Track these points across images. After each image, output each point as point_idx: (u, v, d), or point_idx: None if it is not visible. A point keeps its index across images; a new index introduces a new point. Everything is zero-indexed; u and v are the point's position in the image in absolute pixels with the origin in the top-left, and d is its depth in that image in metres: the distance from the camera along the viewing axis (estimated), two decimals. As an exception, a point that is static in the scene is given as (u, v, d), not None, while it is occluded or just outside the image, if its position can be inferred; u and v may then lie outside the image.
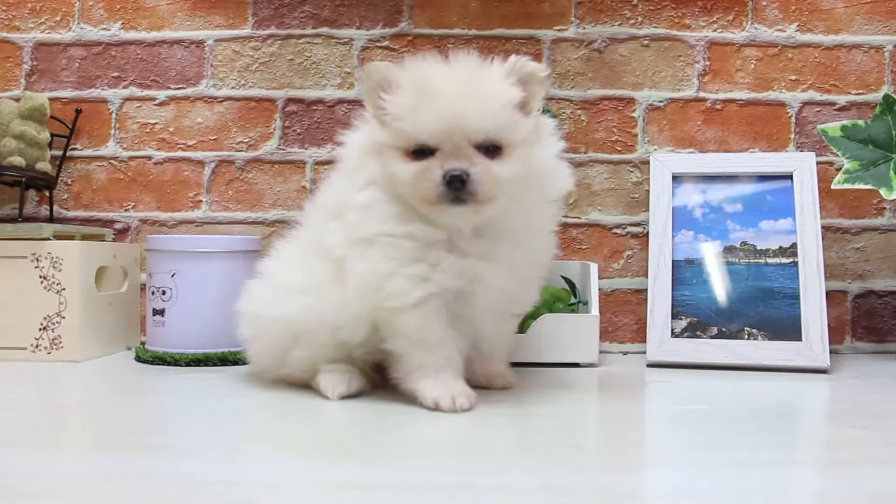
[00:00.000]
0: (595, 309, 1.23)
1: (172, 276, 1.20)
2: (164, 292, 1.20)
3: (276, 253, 1.05)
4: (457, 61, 0.91)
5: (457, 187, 0.86)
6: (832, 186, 1.25)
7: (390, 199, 0.90)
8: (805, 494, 0.64)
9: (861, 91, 1.40)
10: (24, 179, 1.32)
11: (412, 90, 0.88)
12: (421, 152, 0.87)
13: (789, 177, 1.30)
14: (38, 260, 1.20)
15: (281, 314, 0.96)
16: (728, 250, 1.29)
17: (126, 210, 1.44)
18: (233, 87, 1.44)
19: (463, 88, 0.87)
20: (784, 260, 1.27)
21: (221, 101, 1.44)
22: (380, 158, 0.90)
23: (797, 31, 1.40)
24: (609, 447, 0.79)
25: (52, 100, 1.39)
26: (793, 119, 1.40)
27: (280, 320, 0.96)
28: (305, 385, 0.98)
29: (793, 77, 1.40)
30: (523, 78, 0.91)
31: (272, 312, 0.98)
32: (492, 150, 0.88)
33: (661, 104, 1.41)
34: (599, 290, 1.32)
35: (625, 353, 1.38)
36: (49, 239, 1.20)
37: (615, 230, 1.41)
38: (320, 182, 1.06)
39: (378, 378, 0.98)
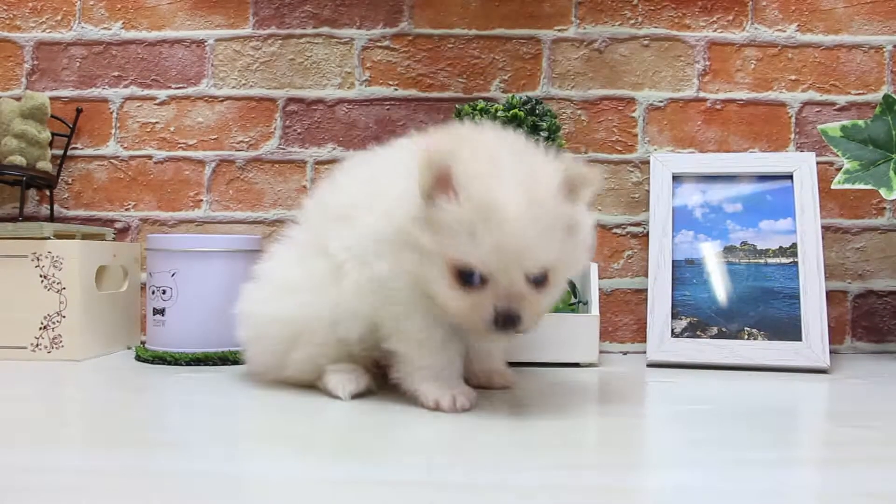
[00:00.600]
0: (595, 309, 1.23)
1: (173, 275, 1.20)
2: (164, 291, 1.20)
3: (271, 255, 1.04)
4: (514, 161, 0.83)
5: (506, 327, 0.81)
6: (832, 186, 1.25)
7: (415, 286, 0.86)
8: (804, 493, 0.64)
9: (861, 91, 1.40)
10: (24, 178, 1.32)
11: (472, 207, 0.79)
12: (470, 276, 0.81)
13: (789, 177, 1.30)
14: (38, 259, 1.20)
15: (279, 313, 0.96)
16: (728, 250, 1.30)
17: (126, 209, 1.44)
18: (233, 87, 1.44)
19: (527, 216, 0.79)
20: (784, 260, 1.27)
21: (222, 101, 1.44)
22: (419, 260, 0.83)
23: (797, 31, 1.41)
24: (609, 446, 0.79)
25: (52, 99, 1.39)
26: (793, 119, 1.40)
27: (278, 319, 0.96)
28: (308, 386, 0.98)
29: (793, 77, 1.41)
30: (575, 185, 0.84)
31: (270, 312, 0.97)
32: (541, 279, 0.83)
33: (661, 104, 1.41)
34: (599, 289, 1.32)
35: (625, 353, 1.38)
36: (49, 238, 1.21)
37: (615, 230, 1.41)
38: (319, 180, 1.05)
39: (379, 376, 0.97)
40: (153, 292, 1.22)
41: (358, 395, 0.94)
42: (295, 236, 1.03)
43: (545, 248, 0.81)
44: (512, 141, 0.90)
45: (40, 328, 1.20)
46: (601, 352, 1.29)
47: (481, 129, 0.93)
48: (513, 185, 0.80)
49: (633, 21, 1.42)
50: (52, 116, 1.38)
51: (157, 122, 1.44)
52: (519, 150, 0.87)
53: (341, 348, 0.95)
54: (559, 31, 1.42)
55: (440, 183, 0.80)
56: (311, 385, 0.98)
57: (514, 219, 0.78)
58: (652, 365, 1.23)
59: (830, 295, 1.36)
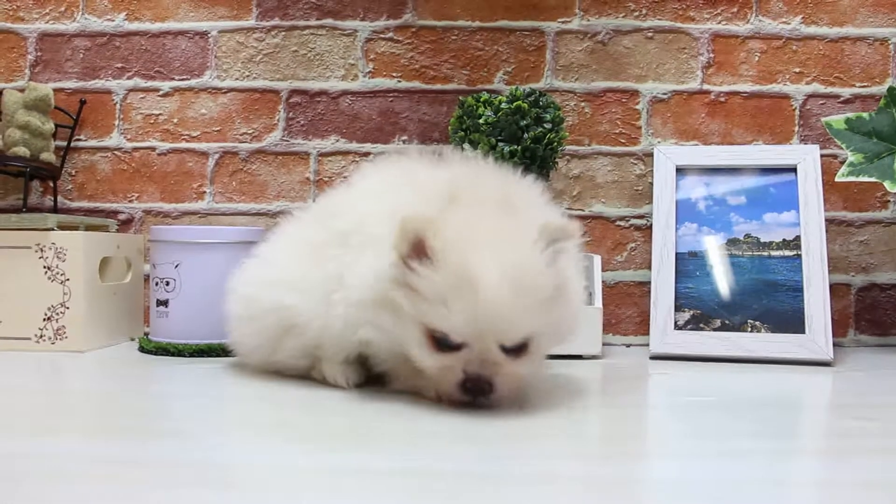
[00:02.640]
0: (598, 301, 1.23)
1: (176, 266, 1.20)
2: (167, 283, 1.21)
3: (277, 237, 1.03)
4: (493, 223, 0.81)
5: (476, 395, 0.81)
6: (836, 179, 1.25)
7: (391, 345, 0.86)
8: (806, 483, 0.64)
9: (865, 84, 1.40)
10: (28, 170, 1.32)
11: (446, 276, 0.78)
12: (445, 340, 0.80)
13: (793, 169, 1.30)
14: (42, 250, 1.20)
15: (283, 302, 0.94)
16: (731, 243, 1.29)
17: (130, 201, 1.44)
18: (237, 79, 1.44)
19: (504, 287, 0.77)
20: (788, 252, 1.27)
21: (225, 93, 1.44)
22: (396, 322, 0.82)
23: (801, 23, 1.40)
24: (612, 438, 0.79)
25: (56, 90, 1.40)
26: (797, 112, 1.40)
27: (275, 309, 0.95)
28: (299, 376, 0.98)
29: (797, 69, 1.40)
30: (556, 241, 0.82)
31: (268, 299, 0.96)
32: (520, 347, 0.81)
33: (665, 96, 1.41)
34: (602, 282, 1.32)
35: (628, 346, 1.38)
36: (53, 229, 1.21)
37: (619, 222, 1.41)
38: (351, 174, 1.01)
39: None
40: (156, 284, 1.22)
41: (357, 385, 0.94)
42: (306, 225, 1.02)
43: (523, 318, 0.79)
44: (495, 189, 0.87)
45: (44, 319, 1.20)
46: (604, 344, 1.29)
47: (469, 171, 0.92)
48: (489, 253, 0.78)
49: (636, 13, 1.41)
50: (55, 108, 1.38)
51: (160, 114, 1.44)
52: (501, 201, 0.85)
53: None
54: (563, 22, 1.42)
55: (416, 248, 0.80)
56: (302, 375, 0.98)
57: (489, 290, 0.76)
58: (655, 357, 1.23)
59: (834, 288, 1.36)
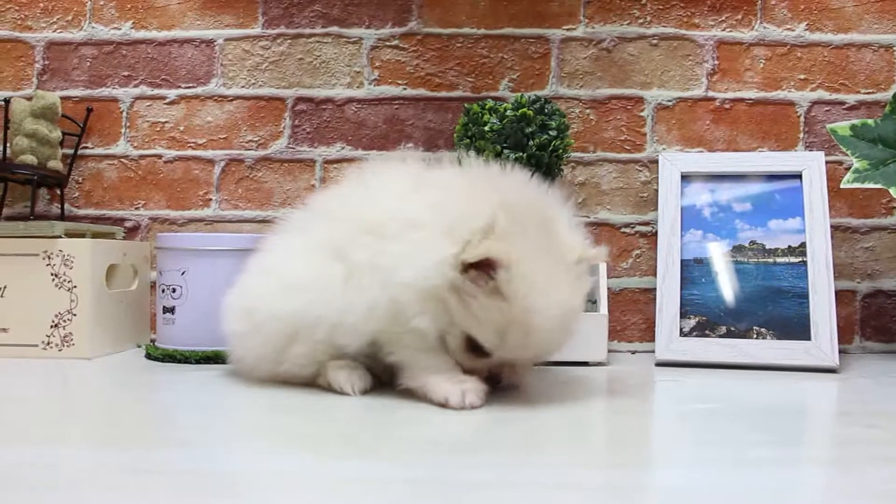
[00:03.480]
0: (604, 308, 1.23)
1: (182, 273, 1.20)
2: (174, 290, 1.21)
3: (270, 248, 1.03)
4: (552, 258, 0.86)
5: (494, 384, 0.90)
6: (841, 186, 1.24)
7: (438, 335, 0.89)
8: (812, 492, 0.64)
9: (870, 90, 1.40)
10: (35, 178, 1.32)
11: (509, 309, 0.83)
12: (482, 350, 0.87)
13: (798, 176, 1.30)
14: (49, 258, 1.21)
15: (283, 310, 0.94)
16: (737, 249, 1.29)
17: (136, 208, 1.45)
18: (242, 86, 1.44)
19: (555, 329, 0.86)
20: (793, 259, 1.27)
21: (231, 100, 1.45)
22: (446, 318, 0.86)
23: (806, 30, 1.40)
24: (617, 445, 0.79)
25: (63, 98, 1.40)
26: (802, 118, 1.40)
27: (281, 316, 0.94)
28: (305, 384, 0.98)
29: (802, 76, 1.40)
30: (588, 267, 0.91)
31: (273, 307, 0.95)
32: None
33: (669, 103, 1.41)
34: (608, 289, 1.32)
35: (633, 352, 1.38)
36: (60, 237, 1.21)
37: (623, 229, 1.41)
38: (340, 178, 1.02)
39: (380, 371, 0.97)
40: (163, 291, 1.22)
41: (364, 392, 0.94)
42: (302, 230, 1.01)
43: (559, 344, 0.89)
44: (535, 207, 0.90)
45: (51, 326, 1.20)
46: (610, 351, 1.29)
47: (516, 189, 0.93)
48: (552, 296, 0.83)
49: (641, 20, 1.41)
50: (62, 116, 1.39)
51: (166, 122, 1.45)
52: (542, 222, 0.88)
53: (339, 347, 0.95)
54: (568, 30, 1.42)
55: (482, 264, 0.83)
56: (308, 383, 0.98)
57: (543, 332, 0.84)
58: (660, 364, 1.23)
59: (839, 294, 1.36)
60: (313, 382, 0.98)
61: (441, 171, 0.96)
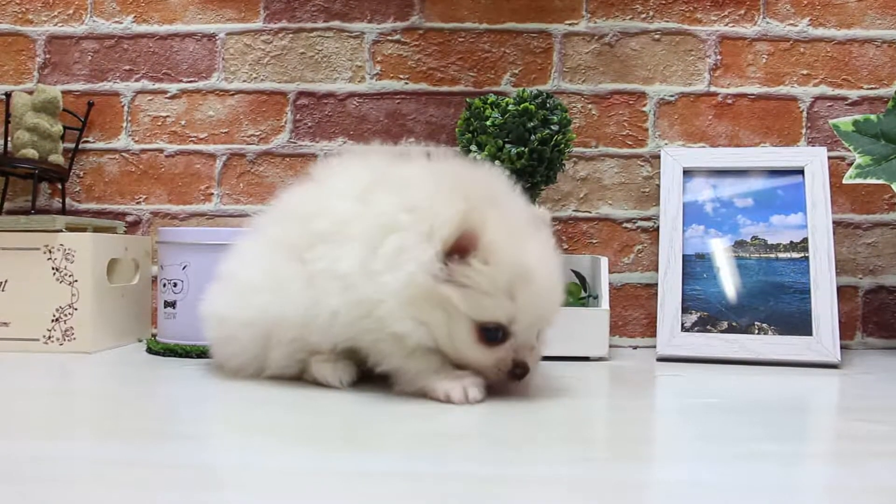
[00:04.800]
0: (605, 303, 1.23)
1: (184, 268, 1.20)
2: (175, 284, 1.21)
3: (236, 253, 1.03)
4: (527, 225, 0.88)
5: (521, 376, 0.88)
6: (844, 181, 1.24)
7: (434, 341, 0.87)
8: (815, 487, 0.64)
9: (873, 86, 1.39)
10: (36, 172, 1.32)
11: (508, 269, 0.83)
12: (495, 332, 0.85)
13: (800, 172, 1.30)
14: (50, 252, 1.20)
15: (245, 315, 0.95)
16: (739, 245, 1.29)
17: (137, 203, 1.45)
18: (244, 81, 1.44)
19: (553, 278, 0.88)
20: (795, 255, 1.27)
21: (233, 95, 1.44)
22: (445, 317, 0.85)
23: (809, 25, 1.40)
24: (619, 440, 0.79)
25: (64, 93, 1.40)
26: (804, 114, 1.40)
27: (245, 322, 0.95)
28: (301, 379, 0.98)
29: (804, 72, 1.40)
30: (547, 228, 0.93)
31: (236, 314, 0.96)
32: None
33: (672, 98, 1.41)
34: (609, 284, 1.32)
35: (635, 348, 1.38)
36: (61, 231, 1.21)
37: (625, 224, 1.41)
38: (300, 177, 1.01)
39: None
40: (164, 285, 1.22)
41: (355, 385, 0.94)
42: (264, 232, 1.01)
43: (560, 299, 0.90)
44: (481, 186, 0.90)
45: (52, 320, 1.20)
46: (611, 346, 1.28)
47: (448, 168, 0.94)
48: (535, 246, 0.86)
49: (644, 15, 1.41)
50: (63, 110, 1.38)
51: (168, 116, 1.45)
52: (488, 197, 0.88)
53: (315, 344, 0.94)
54: (570, 25, 1.42)
55: (461, 244, 0.83)
56: (298, 378, 0.98)
57: (545, 280, 0.86)
58: (662, 359, 1.23)
59: (841, 290, 1.36)
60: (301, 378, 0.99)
61: (405, 167, 0.95)
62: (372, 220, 0.87)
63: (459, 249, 0.83)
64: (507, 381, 0.88)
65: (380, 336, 0.87)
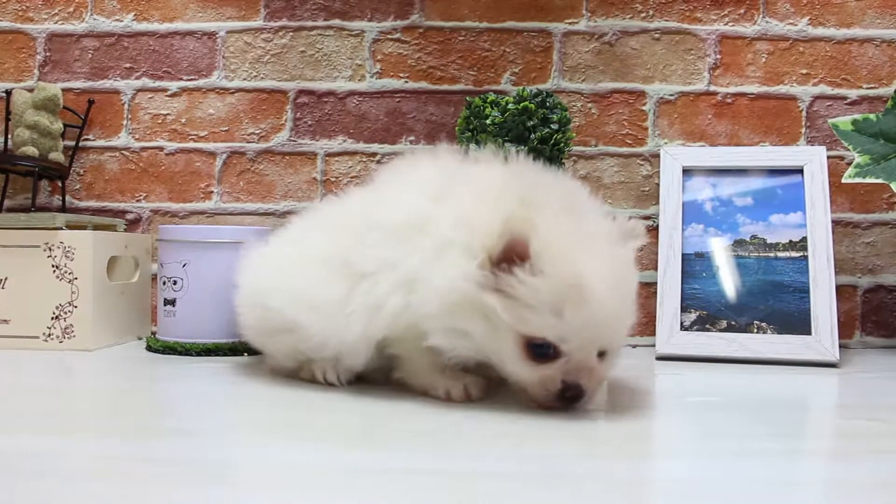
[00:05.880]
0: (604, 301, 1.23)
1: (184, 266, 1.20)
2: (175, 282, 1.21)
3: (291, 231, 1.01)
4: (599, 236, 0.80)
5: (573, 401, 0.80)
6: (843, 181, 1.24)
7: (476, 353, 0.82)
8: (814, 484, 0.64)
9: (873, 85, 1.40)
10: (37, 169, 1.32)
11: (557, 282, 0.75)
12: (543, 348, 0.78)
13: (800, 171, 1.30)
14: (50, 249, 1.21)
15: (292, 322, 0.92)
16: (738, 244, 1.30)
17: (138, 200, 1.45)
18: (244, 79, 1.44)
19: (614, 293, 0.77)
20: (794, 254, 1.27)
21: (233, 93, 1.44)
22: (489, 331, 0.79)
23: (809, 24, 1.40)
24: (618, 438, 0.79)
25: (64, 90, 1.40)
26: (804, 113, 1.40)
27: (289, 329, 0.93)
28: (294, 375, 0.99)
29: (804, 71, 1.40)
30: (630, 239, 0.84)
31: (282, 317, 0.93)
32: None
33: (671, 97, 1.41)
34: (609, 282, 1.32)
35: (634, 346, 1.38)
36: (62, 229, 1.21)
37: (625, 223, 1.41)
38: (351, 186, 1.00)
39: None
40: (164, 283, 1.22)
41: (352, 382, 0.94)
42: (323, 231, 0.97)
43: (627, 323, 0.81)
44: (560, 194, 0.84)
45: (52, 318, 1.20)
46: (610, 345, 1.29)
47: (524, 173, 0.88)
48: (594, 259, 0.77)
49: (643, 14, 1.41)
50: (64, 108, 1.38)
51: (168, 114, 1.45)
52: (569, 206, 0.82)
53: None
54: (570, 24, 1.42)
55: (510, 252, 0.77)
56: (293, 375, 0.99)
57: (603, 298, 0.76)
58: (661, 358, 1.23)
59: (840, 289, 1.36)
60: (296, 375, 0.99)
61: (475, 169, 0.90)
62: (443, 222, 0.82)
63: (508, 257, 0.77)
64: (560, 406, 0.81)
65: (415, 345, 0.84)
